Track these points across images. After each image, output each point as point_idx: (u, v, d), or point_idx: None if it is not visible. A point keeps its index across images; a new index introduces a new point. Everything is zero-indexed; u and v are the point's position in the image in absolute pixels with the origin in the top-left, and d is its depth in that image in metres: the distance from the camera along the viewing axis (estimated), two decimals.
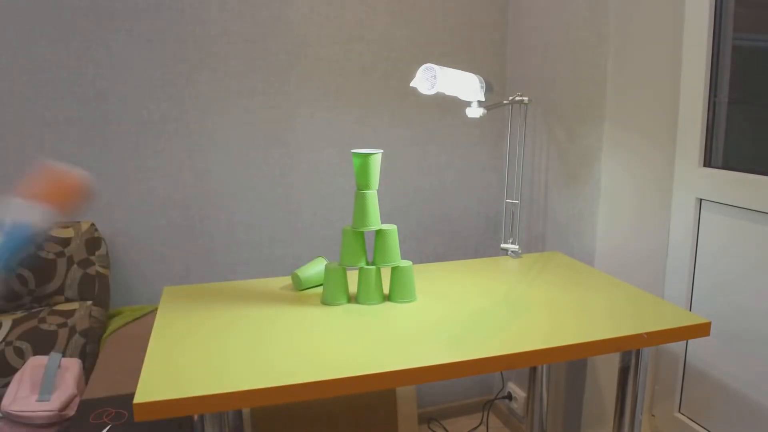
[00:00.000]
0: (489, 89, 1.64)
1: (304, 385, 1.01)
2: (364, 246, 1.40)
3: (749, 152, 1.56)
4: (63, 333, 1.57)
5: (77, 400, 1.38)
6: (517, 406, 2.16)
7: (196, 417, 1.32)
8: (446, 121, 2.10)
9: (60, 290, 1.63)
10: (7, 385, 1.49)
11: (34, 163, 1.71)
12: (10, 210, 0.35)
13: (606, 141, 1.66)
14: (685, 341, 1.70)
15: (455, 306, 1.36)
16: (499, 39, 2.11)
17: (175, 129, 1.81)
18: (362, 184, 1.37)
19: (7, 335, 1.52)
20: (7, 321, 1.54)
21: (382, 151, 1.39)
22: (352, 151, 1.37)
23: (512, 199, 1.90)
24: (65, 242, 1.64)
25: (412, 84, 1.51)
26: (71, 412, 1.36)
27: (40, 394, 1.34)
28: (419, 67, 1.50)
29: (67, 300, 1.64)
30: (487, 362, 1.10)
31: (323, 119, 1.96)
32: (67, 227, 1.66)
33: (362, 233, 1.40)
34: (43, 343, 1.53)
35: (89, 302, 1.65)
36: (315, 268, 1.50)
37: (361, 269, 1.39)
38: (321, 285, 1.51)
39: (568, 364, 1.88)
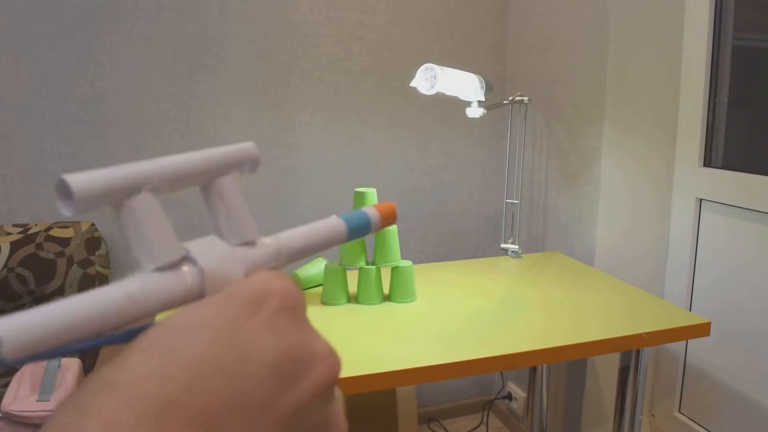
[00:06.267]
0: (489, 89, 1.64)
1: None
2: (364, 246, 1.40)
3: (749, 152, 1.56)
4: None
5: None
6: (517, 406, 2.16)
7: None
8: (446, 121, 2.10)
9: (60, 290, 1.63)
10: (7, 385, 1.49)
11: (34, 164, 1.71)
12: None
13: (606, 141, 1.66)
14: (684, 341, 1.70)
15: (455, 306, 1.36)
16: (499, 39, 2.11)
17: (175, 129, 1.81)
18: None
19: None
20: None
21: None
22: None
23: (512, 199, 1.90)
24: (65, 242, 1.63)
25: (412, 84, 1.50)
26: None
27: (40, 394, 1.34)
28: (419, 67, 1.50)
29: None
30: (487, 362, 1.10)
31: (323, 119, 1.96)
32: (67, 227, 1.66)
33: None
34: None
35: None
36: (315, 268, 1.50)
37: (361, 269, 1.39)
38: (321, 285, 1.51)
39: (568, 364, 1.88)
